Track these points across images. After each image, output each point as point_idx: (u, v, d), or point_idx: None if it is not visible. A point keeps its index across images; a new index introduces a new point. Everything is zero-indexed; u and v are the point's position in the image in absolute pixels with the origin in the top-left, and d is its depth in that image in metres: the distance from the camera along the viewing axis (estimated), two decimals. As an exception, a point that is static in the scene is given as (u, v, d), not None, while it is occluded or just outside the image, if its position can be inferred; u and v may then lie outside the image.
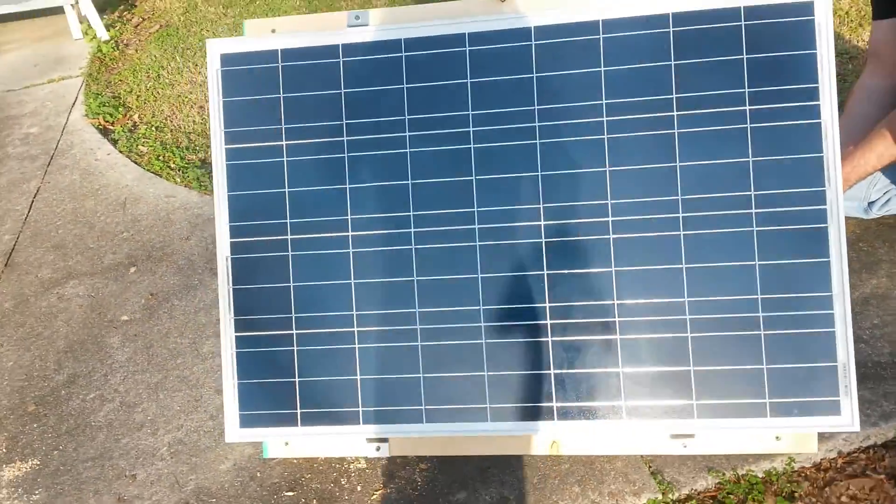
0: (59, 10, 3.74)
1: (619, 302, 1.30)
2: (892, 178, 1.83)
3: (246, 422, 1.40)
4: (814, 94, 1.25)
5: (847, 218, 1.91)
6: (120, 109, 3.05)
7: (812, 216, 1.25)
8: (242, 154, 1.39)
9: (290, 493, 1.48)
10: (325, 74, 1.36)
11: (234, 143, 1.39)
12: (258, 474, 1.53)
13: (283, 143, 1.37)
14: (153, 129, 2.90)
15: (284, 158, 1.37)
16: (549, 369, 1.32)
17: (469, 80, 1.33)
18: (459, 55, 1.33)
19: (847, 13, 2.88)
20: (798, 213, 1.26)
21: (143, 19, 3.86)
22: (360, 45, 1.36)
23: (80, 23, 3.69)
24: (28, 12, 3.92)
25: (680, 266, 1.29)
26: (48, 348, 1.94)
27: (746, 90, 1.27)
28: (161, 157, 2.70)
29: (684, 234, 1.29)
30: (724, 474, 1.39)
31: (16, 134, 2.95)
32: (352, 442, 1.41)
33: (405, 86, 1.35)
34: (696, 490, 1.38)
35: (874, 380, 1.52)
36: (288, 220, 1.38)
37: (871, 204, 1.86)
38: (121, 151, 2.77)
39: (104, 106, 3.05)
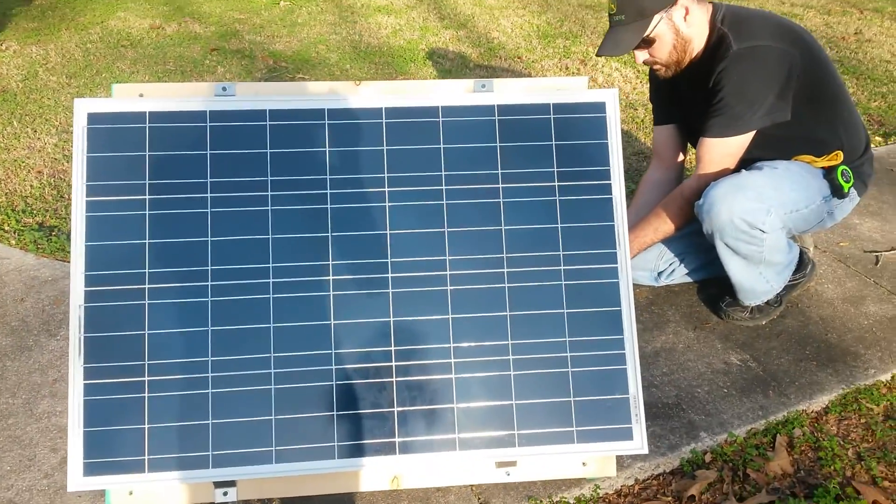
0: None
1: (455, 345, 1.49)
2: (676, 252, 2.21)
3: (90, 470, 1.40)
4: (606, 174, 1.56)
5: (640, 285, 2.27)
6: (-53, 171, 2.91)
7: (606, 273, 1.53)
8: (103, 206, 1.45)
9: (134, 544, 1.48)
10: (192, 136, 1.49)
11: (95, 196, 1.46)
12: (100, 527, 1.51)
13: (147, 197, 1.46)
14: (-15, 191, 2.80)
15: (147, 211, 1.46)
16: (393, 407, 1.46)
17: (328, 149, 1.51)
18: (320, 126, 1.52)
19: (643, 120, 3.42)
20: (595, 270, 1.53)
21: (-23, 83, 3.72)
22: (227, 112, 1.50)
23: None
24: None
25: (505, 314, 1.51)
26: None
27: (556, 169, 1.55)
28: (-6, 220, 2.61)
29: (508, 287, 1.51)
30: (541, 501, 1.58)
31: None
32: (198, 489, 1.45)
33: (268, 150, 1.50)
34: (519, 516, 1.56)
35: (663, 417, 1.81)
36: (147, 270, 1.45)
37: (659, 274, 2.23)
38: (-51, 213, 2.64)
39: (-72, 166, 2.89)
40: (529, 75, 4.05)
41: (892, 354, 2.03)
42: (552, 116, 1.57)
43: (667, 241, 2.19)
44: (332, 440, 1.45)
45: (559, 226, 1.54)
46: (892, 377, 1.97)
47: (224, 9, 5.09)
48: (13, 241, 2.50)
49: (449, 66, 4.17)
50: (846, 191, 1.95)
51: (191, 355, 1.44)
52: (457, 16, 5.15)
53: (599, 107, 1.58)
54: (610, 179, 1.56)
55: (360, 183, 1.51)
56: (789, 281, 2.11)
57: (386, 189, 1.52)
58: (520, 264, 1.52)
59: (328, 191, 1.50)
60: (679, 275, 2.24)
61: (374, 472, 1.49)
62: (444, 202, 1.52)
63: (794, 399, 1.88)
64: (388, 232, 1.51)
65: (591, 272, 1.53)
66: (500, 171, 1.54)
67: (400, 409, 1.47)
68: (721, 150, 1.91)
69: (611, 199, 1.55)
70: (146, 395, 1.42)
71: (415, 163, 1.53)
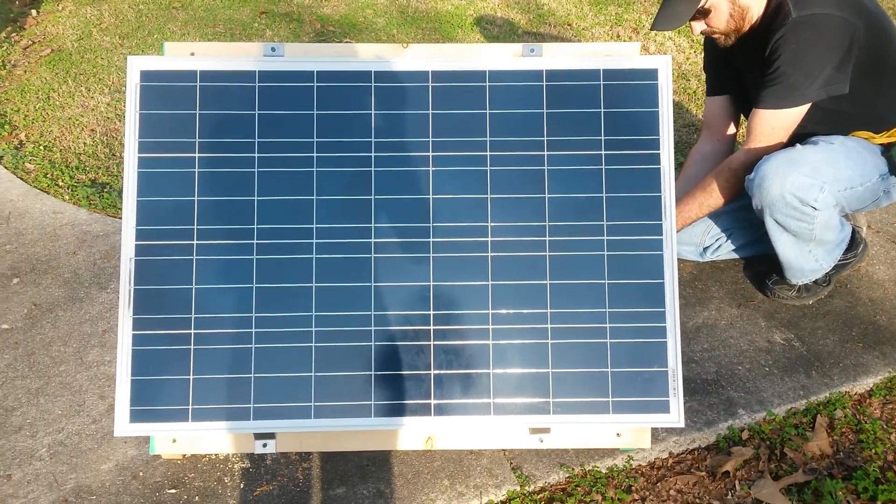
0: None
1: (493, 311, 1.49)
2: (723, 228, 2.16)
3: (137, 417, 1.45)
4: (655, 144, 1.53)
5: (685, 260, 2.23)
6: (6, 127, 3.00)
7: (651, 244, 1.51)
8: (154, 163, 1.48)
9: (173, 491, 1.54)
10: (241, 96, 1.50)
11: (146, 153, 1.49)
12: (140, 473, 1.57)
13: (196, 155, 1.49)
14: (41, 147, 2.88)
15: (196, 169, 1.49)
16: (430, 370, 1.48)
17: (373, 112, 1.51)
18: (366, 89, 1.52)
19: (695, 92, 3.34)
20: (640, 241, 1.51)
21: (33, 42, 3.80)
22: (276, 72, 1.51)
23: (-36, 38, 3.59)
24: None
25: (545, 282, 1.50)
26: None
27: (603, 137, 1.53)
28: (49, 175, 2.68)
29: (550, 255, 1.51)
30: (573, 469, 1.59)
31: None
32: (239, 439, 1.49)
33: (315, 112, 1.51)
34: (549, 483, 1.57)
35: (701, 393, 1.79)
36: (195, 227, 1.48)
37: (705, 249, 2.19)
38: (6, 167, 2.72)
39: (-12, 122, 2.98)
40: (579, 41, 3.97)
41: (945, 340, 1.97)
42: (602, 83, 1.54)
43: (714, 216, 2.14)
44: (370, 399, 1.47)
45: (604, 195, 1.52)
46: (943, 362, 1.91)
47: (273, -29, 5.08)
48: (66, 197, 2.57)
49: (497, 31, 4.12)
50: None
51: (235, 311, 1.47)
52: (506, -19, 5.06)
53: (651, 73, 1.54)
54: (659, 149, 1.53)
55: (405, 146, 1.51)
56: (839, 260, 2.06)
57: (430, 153, 1.51)
58: (562, 233, 1.51)
59: (373, 154, 1.51)
60: (725, 251, 2.19)
61: (408, 432, 1.51)
62: (489, 168, 1.51)
63: (838, 380, 1.84)
64: (430, 196, 1.51)
65: (634, 243, 1.51)
66: (545, 139, 1.52)
67: (437, 371, 1.48)
68: (774, 122, 1.86)
69: (659, 169, 1.52)
70: (192, 347, 1.46)
71: (460, 127, 1.52)
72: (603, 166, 1.52)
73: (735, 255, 2.23)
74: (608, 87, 1.53)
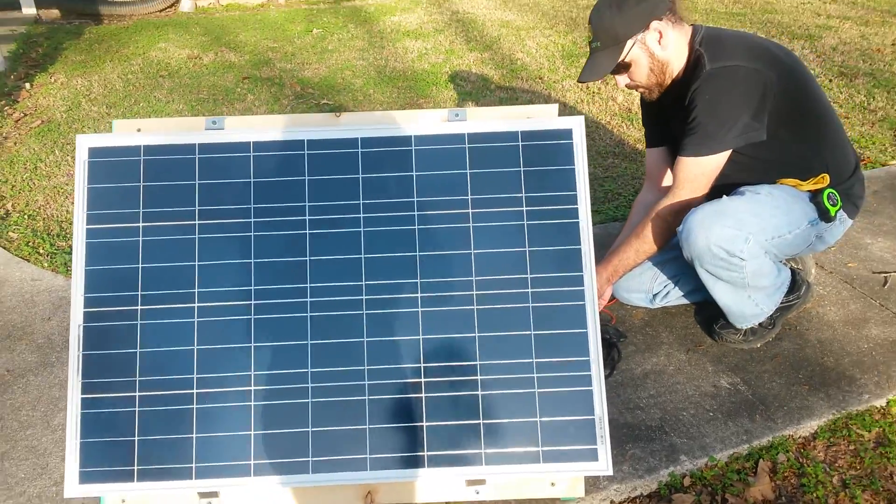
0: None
1: (424, 365, 1.55)
2: (670, 274, 2.23)
3: (85, 478, 1.51)
4: (573, 199, 1.60)
5: (636, 307, 2.29)
6: (-9, 197, 3.13)
7: (573, 295, 1.58)
8: (102, 234, 1.58)
9: (125, 549, 1.58)
10: (182, 168, 1.60)
11: (94, 224, 1.58)
12: (95, 533, 1.62)
13: (140, 224, 1.58)
14: (25, 216, 3.00)
15: (140, 238, 1.58)
16: (365, 424, 1.53)
17: (307, 177, 1.61)
18: (300, 157, 1.61)
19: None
20: (563, 293, 1.58)
21: (25, 114, 3.98)
22: (215, 144, 1.61)
23: (-42, 114, 3.77)
24: None
25: (474, 335, 1.56)
26: None
27: (524, 195, 1.61)
28: (31, 243, 2.79)
29: (477, 309, 1.57)
30: (514, 518, 1.62)
31: None
32: (185, 497, 1.54)
33: (252, 180, 1.60)
34: (492, 533, 1.60)
35: (645, 440, 1.83)
36: (139, 293, 1.56)
37: (654, 296, 2.24)
38: (-12, 237, 2.84)
39: (-25, 193, 3.11)
40: (549, 96, 4.10)
41: (890, 379, 2.00)
42: (520, 143, 1.62)
43: (660, 264, 2.21)
44: (307, 455, 1.52)
45: (527, 249, 1.59)
46: (888, 402, 1.94)
47: (259, 38, 5.30)
48: (46, 264, 2.67)
49: (470, 88, 4.26)
50: (833, 214, 1.94)
51: (178, 372, 1.54)
52: (483, 38, 5.25)
53: (566, 133, 1.63)
54: (576, 204, 1.60)
55: (337, 209, 1.60)
56: (782, 303, 2.11)
57: (361, 215, 1.60)
58: (489, 287, 1.58)
59: (307, 217, 1.59)
60: (674, 297, 2.25)
61: (347, 489, 1.56)
62: (416, 227, 1.59)
63: (782, 424, 1.87)
64: (362, 256, 1.58)
65: (558, 295, 1.58)
66: (469, 197, 1.61)
67: (371, 426, 1.54)
68: (695, 169, 1.93)
69: (577, 223, 1.60)
70: (136, 409, 1.53)
71: (388, 190, 1.61)
72: (525, 222, 1.60)
73: (685, 301, 2.28)
74: (526, 147, 1.62)
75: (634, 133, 3.63)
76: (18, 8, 6.01)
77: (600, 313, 2.18)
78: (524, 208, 1.60)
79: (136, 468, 1.51)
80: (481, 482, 1.56)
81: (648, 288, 2.24)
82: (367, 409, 1.54)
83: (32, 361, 2.19)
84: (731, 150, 1.89)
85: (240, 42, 5.19)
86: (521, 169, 1.62)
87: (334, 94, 4.19)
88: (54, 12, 6.13)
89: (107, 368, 1.54)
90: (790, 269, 2.16)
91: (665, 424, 1.87)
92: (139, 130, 1.65)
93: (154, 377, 1.54)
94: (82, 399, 1.53)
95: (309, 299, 1.57)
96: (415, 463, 1.53)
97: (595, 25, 1.94)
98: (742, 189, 1.95)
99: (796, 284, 2.15)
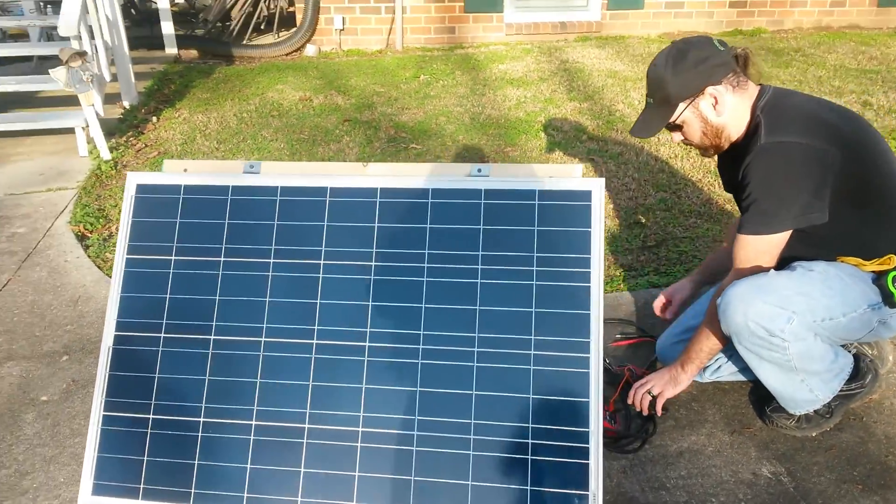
0: (71, 130, 4.26)
1: (419, 418, 1.55)
2: (723, 348, 2.09)
3: (98, 490, 1.61)
4: (586, 262, 1.56)
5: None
6: (101, 220, 3.44)
7: (577, 362, 1.52)
8: (138, 264, 1.70)
9: (129, 564, 1.66)
10: (215, 208, 1.71)
11: (133, 255, 1.71)
12: (108, 545, 1.72)
13: (172, 258, 1.69)
14: (124, 239, 3.27)
15: (171, 271, 1.69)
16: (355, 471, 1.54)
17: (325, 223, 1.66)
18: (321, 203, 1.68)
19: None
20: (566, 358, 1.53)
21: (146, 146, 4.37)
22: (246, 187, 1.71)
23: (88, 143, 4.20)
24: (44, 129, 4.46)
25: (471, 392, 1.54)
26: (-33, 417, 2.18)
27: (535, 254, 1.58)
28: (122, 264, 3.04)
29: (477, 366, 1.55)
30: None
31: (5, 232, 3.34)
32: (185, 519, 1.61)
33: (276, 222, 1.68)
34: None
35: (662, 521, 1.71)
36: (164, 321, 1.67)
37: (705, 369, 2.11)
38: (89, 256, 3.12)
39: (87, 216, 3.44)
40: (642, 149, 4.00)
41: (964, 486, 1.76)
42: (536, 202, 1.61)
43: None
44: (296, 494, 1.55)
45: (533, 310, 1.56)
46: (954, 513, 1.71)
47: (369, 82, 5.54)
48: (130, 284, 2.89)
49: (561, 137, 4.24)
50: None
51: (188, 400, 1.62)
52: (586, 88, 5.22)
53: (585, 195, 1.59)
54: (589, 268, 1.56)
55: (351, 256, 1.64)
56: (843, 391, 1.92)
57: (373, 263, 1.63)
58: (491, 345, 1.56)
59: (321, 262, 1.65)
60: (727, 372, 2.11)
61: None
62: (425, 279, 1.61)
63: (821, 521, 1.70)
64: (369, 303, 1.61)
65: (560, 360, 1.53)
66: (480, 253, 1.60)
67: (361, 473, 1.54)
68: (755, 247, 1.80)
69: (588, 287, 1.55)
70: (148, 431, 1.62)
71: (402, 240, 1.63)
72: (534, 282, 1.57)
73: (739, 378, 2.13)
74: (543, 207, 1.60)
75: (726, 194, 3.46)
76: (164, 48, 6.64)
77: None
78: (535, 268, 1.58)
79: (141, 486, 1.60)
80: (467, 545, 1.52)
81: None
82: (358, 455, 1.55)
83: (95, 375, 2.37)
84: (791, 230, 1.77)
85: (350, 86, 5.46)
86: (536, 228, 1.59)
87: (425, 139, 4.30)
88: (193, 52, 6.72)
89: (127, 389, 1.65)
90: (854, 354, 1.97)
91: (688, 508, 1.75)
92: (185, 170, 1.78)
93: (167, 402, 1.63)
94: (103, 416, 1.64)
95: (315, 341, 1.61)
96: (399, 516, 1.51)
97: (650, 81, 1.89)
98: (794, 264, 1.82)
99: (860, 372, 1.95)
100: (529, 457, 1.50)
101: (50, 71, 4.01)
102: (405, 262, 1.62)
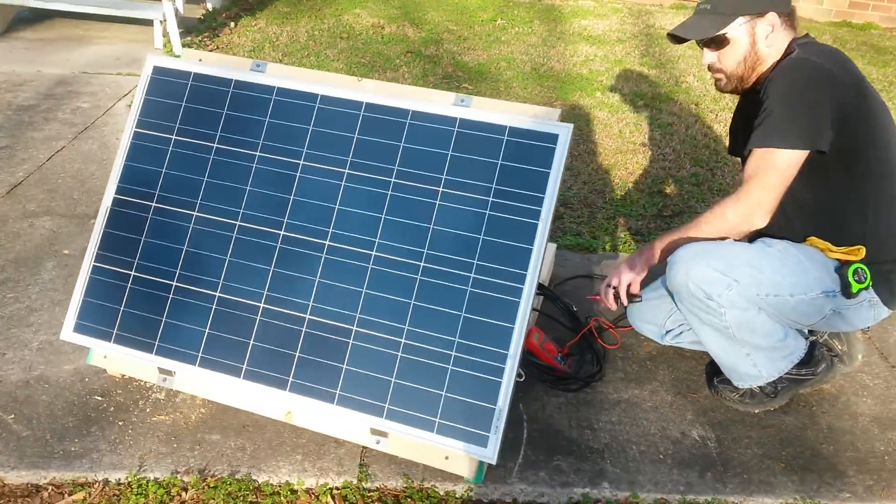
0: (152, 23, 4.51)
1: (360, 315, 1.68)
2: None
3: (78, 328, 1.83)
4: (539, 201, 1.63)
5: (648, 340, 2.21)
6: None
7: (510, 290, 1.61)
8: (144, 137, 1.87)
9: (99, 398, 1.89)
10: (217, 97, 1.85)
11: (141, 129, 1.88)
12: (86, 379, 1.95)
13: (173, 136, 1.86)
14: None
15: (170, 148, 1.85)
16: (296, 351, 1.70)
17: (311, 127, 1.79)
18: (310, 108, 1.80)
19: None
20: (501, 286, 1.62)
21: (217, 48, 4.57)
22: (247, 83, 1.84)
23: (164, 36, 4.43)
24: (128, 18, 4.73)
25: (410, 301, 1.66)
26: (0, 255, 2.45)
27: (493, 186, 1.66)
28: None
29: (420, 279, 1.66)
30: (412, 482, 1.70)
31: (71, 105, 3.62)
32: (147, 369, 1.81)
33: (267, 119, 1.81)
34: (385, 486, 1.70)
35: (577, 458, 1.80)
36: (157, 192, 1.84)
37: (667, 332, 2.16)
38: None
39: (147, 102, 3.68)
40: (693, 123, 3.94)
41: (888, 490, 1.78)
42: (505, 138, 1.68)
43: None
44: (242, 362, 1.72)
45: (481, 237, 1.65)
46: (869, 510, 1.74)
47: (444, 19, 5.57)
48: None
49: (615, 100, 4.20)
50: (854, 291, 1.75)
51: (166, 264, 1.80)
52: (662, 55, 5.10)
53: (552, 137, 1.65)
54: (541, 206, 1.63)
55: (327, 161, 1.76)
56: (791, 373, 1.94)
57: (346, 171, 1.75)
58: (435, 262, 1.66)
59: (301, 161, 1.78)
60: (686, 340, 2.15)
61: (269, 401, 1.73)
62: (389, 192, 1.71)
63: (730, 489, 1.75)
64: (336, 206, 1.74)
65: (496, 286, 1.62)
66: (444, 177, 1.69)
67: (301, 354, 1.69)
68: (767, 160, 1.72)
69: (535, 224, 1.62)
70: (128, 285, 1.81)
71: (375, 154, 1.74)
72: (487, 212, 1.65)
73: (699, 347, 2.16)
74: (510, 143, 1.67)
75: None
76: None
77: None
78: (490, 199, 1.66)
79: (114, 331, 1.80)
80: (383, 434, 1.66)
81: (662, 323, 2.15)
82: (301, 339, 1.70)
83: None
84: (805, 154, 1.71)
85: (425, 19, 5.50)
86: (499, 161, 1.67)
87: (479, 81, 4.34)
88: (288, -32, 6.87)
89: (117, 246, 1.84)
90: (812, 341, 1.97)
91: (607, 450, 1.83)
92: (200, 60, 1.92)
93: (147, 263, 1.81)
94: (93, 266, 1.84)
95: (282, 232, 1.76)
96: (327, 397, 1.66)
97: None
98: (758, 240, 1.83)
99: (813, 359, 1.97)
100: (450, 367, 1.61)
101: (137, -38, 4.23)
102: (374, 174, 1.73)
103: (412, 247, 1.68)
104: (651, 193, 3.18)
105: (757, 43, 1.83)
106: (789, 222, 1.84)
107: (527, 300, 1.60)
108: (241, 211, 1.79)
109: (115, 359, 1.84)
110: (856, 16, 7.06)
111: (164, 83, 1.89)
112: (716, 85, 1.96)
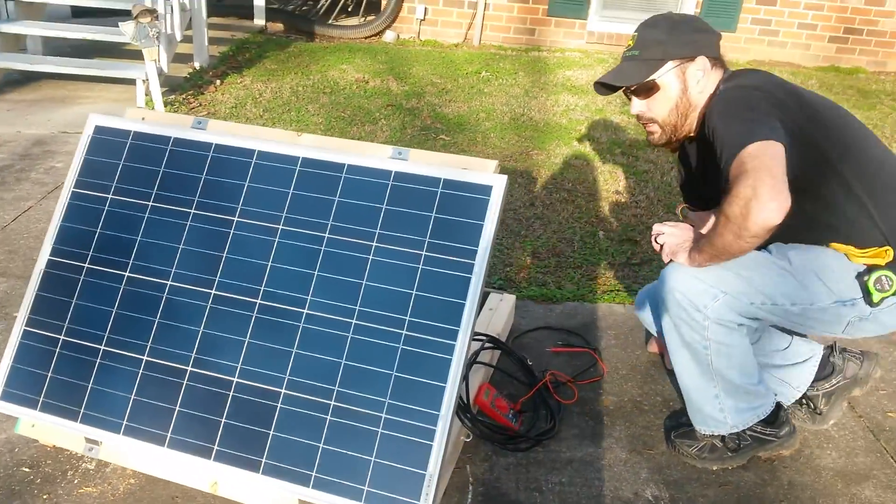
0: (134, 82, 4.56)
1: (289, 377, 1.62)
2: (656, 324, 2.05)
3: (5, 396, 1.76)
4: (472, 254, 1.58)
5: (607, 389, 2.13)
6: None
7: (442, 348, 1.55)
8: (81, 198, 1.85)
9: (27, 470, 1.81)
10: (155, 155, 1.83)
11: (78, 189, 1.85)
12: (16, 449, 1.87)
13: (109, 196, 1.83)
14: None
15: (105, 208, 1.82)
16: (222, 417, 1.63)
17: (246, 184, 1.76)
18: (246, 164, 1.77)
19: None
20: (433, 343, 1.55)
21: (200, 105, 4.62)
22: (186, 140, 1.82)
23: (146, 95, 4.48)
24: (111, 78, 4.79)
25: (341, 361, 1.60)
26: (-49, 319, 2.41)
27: (427, 240, 1.61)
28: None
29: (352, 337, 1.60)
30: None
31: (45, 164, 3.63)
32: (73, 438, 1.74)
33: (203, 176, 1.79)
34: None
35: None
36: (90, 253, 1.80)
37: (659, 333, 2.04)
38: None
39: (122, 160, 3.69)
40: (670, 171, 3.91)
41: (856, 551, 1.67)
42: (439, 190, 1.64)
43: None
44: (167, 430, 1.65)
45: (413, 292, 1.59)
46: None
47: (428, 72, 5.63)
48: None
49: (592, 148, 4.19)
50: (876, 301, 1.65)
51: (93, 327, 1.75)
52: (641, 104, 5.11)
53: (485, 189, 1.61)
54: (474, 260, 1.58)
55: (262, 217, 1.72)
56: (756, 431, 1.85)
57: (280, 227, 1.71)
58: (367, 319, 1.60)
59: (235, 218, 1.74)
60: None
61: (194, 471, 1.66)
62: (322, 248, 1.67)
63: (686, 556, 1.65)
64: (269, 264, 1.69)
65: (428, 343, 1.56)
66: (377, 231, 1.65)
67: (227, 420, 1.63)
68: (752, 152, 1.50)
69: (469, 278, 1.57)
70: (56, 350, 1.76)
71: (310, 209, 1.70)
72: (420, 266, 1.60)
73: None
74: (444, 195, 1.63)
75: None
76: (252, 19, 6.96)
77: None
78: (423, 253, 1.61)
79: (41, 399, 1.74)
80: (312, 505, 1.58)
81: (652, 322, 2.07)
82: (228, 403, 1.63)
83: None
84: (780, 146, 1.52)
85: (409, 73, 5.56)
86: (433, 214, 1.63)
87: (457, 132, 4.35)
88: (279, 26, 7.01)
89: (48, 310, 1.79)
90: (777, 402, 1.89)
91: (556, 517, 1.74)
92: (143, 119, 1.91)
93: (77, 326, 1.76)
94: (24, 330, 1.79)
95: (214, 291, 1.71)
96: (253, 466, 1.59)
97: (641, 35, 1.80)
98: (769, 247, 1.75)
99: (778, 420, 1.87)
100: (380, 430, 1.54)
101: (119, 24, 4.30)
102: (308, 229, 1.69)
103: (344, 303, 1.63)
104: (621, 241, 3.13)
105: (689, 88, 1.78)
106: (805, 237, 1.73)
107: (459, 357, 1.54)
108: (173, 271, 1.74)
109: (43, 428, 1.78)
110: (843, 60, 7.10)
111: (104, 142, 1.88)
112: (648, 139, 1.91)
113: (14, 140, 3.95)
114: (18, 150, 3.81)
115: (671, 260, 1.76)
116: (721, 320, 1.68)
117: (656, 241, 1.87)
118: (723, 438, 1.87)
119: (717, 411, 1.82)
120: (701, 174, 1.92)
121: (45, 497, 1.74)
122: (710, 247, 1.62)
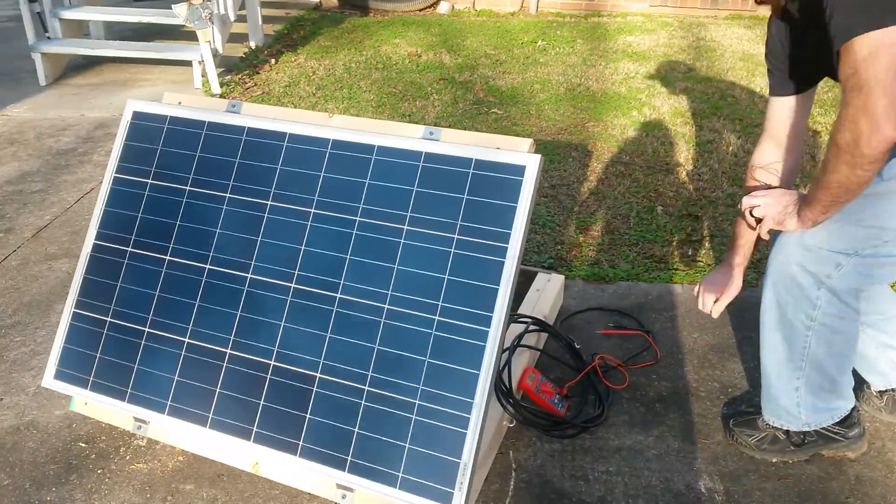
0: (191, 64, 4.63)
1: (323, 361, 1.61)
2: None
3: (58, 375, 1.82)
4: (506, 237, 1.52)
5: (661, 378, 2.04)
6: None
7: (476, 334, 1.50)
8: (123, 182, 1.87)
9: (83, 445, 1.88)
10: (191, 140, 1.83)
11: (120, 174, 1.88)
12: (73, 425, 1.94)
13: (149, 181, 1.85)
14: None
15: (146, 192, 1.84)
16: (260, 399, 1.63)
17: (279, 167, 1.74)
18: (279, 147, 1.75)
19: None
20: (466, 329, 1.51)
21: (255, 84, 4.66)
22: (220, 124, 1.82)
23: (202, 76, 4.54)
24: (170, 60, 4.88)
25: (374, 346, 1.57)
26: (15, 298, 2.51)
27: (459, 223, 1.56)
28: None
29: (384, 323, 1.58)
30: (382, 539, 1.60)
31: (106, 147, 3.73)
32: (122, 417, 1.78)
33: (237, 160, 1.78)
34: (354, 543, 1.60)
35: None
36: (133, 237, 1.83)
37: None
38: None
39: (178, 141, 3.76)
40: (735, 140, 3.72)
41: (925, 550, 1.56)
42: (470, 171, 1.58)
43: None
44: (209, 411, 1.67)
45: (446, 277, 1.55)
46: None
47: (482, 44, 5.52)
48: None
49: (651, 117, 4.03)
50: None
51: (139, 310, 1.78)
52: (710, 68, 4.88)
53: (519, 170, 1.54)
54: (507, 243, 1.52)
55: (294, 200, 1.71)
56: (825, 428, 1.73)
57: (312, 210, 1.69)
58: (399, 304, 1.57)
59: (269, 202, 1.73)
60: None
61: (236, 451, 1.67)
62: (354, 232, 1.64)
63: (737, 550, 1.58)
64: (302, 248, 1.68)
65: (461, 329, 1.52)
66: (409, 214, 1.61)
67: (266, 403, 1.63)
68: (872, 46, 1.24)
69: (502, 262, 1.51)
70: (104, 332, 1.80)
71: (341, 192, 1.67)
72: (452, 250, 1.56)
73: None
74: (476, 176, 1.57)
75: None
76: (308, -4, 6.97)
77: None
78: (456, 236, 1.56)
79: (91, 378, 1.79)
80: (349, 489, 1.57)
81: None
82: (266, 386, 1.64)
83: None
84: None
85: (462, 45, 5.46)
86: (465, 196, 1.57)
87: (510, 105, 4.25)
88: (333, 2, 6.99)
89: (95, 292, 1.83)
90: (854, 400, 1.76)
91: (600, 506, 1.69)
92: (180, 103, 1.92)
93: (122, 309, 1.80)
94: (73, 312, 1.84)
95: (250, 275, 1.71)
96: (291, 449, 1.59)
97: None
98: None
99: (849, 421, 1.75)
100: (414, 416, 1.51)
101: (173, 6, 4.36)
102: (340, 212, 1.66)
103: (376, 288, 1.60)
104: (680, 217, 2.99)
105: None
106: None
107: (493, 344, 1.49)
108: (211, 254, 1.75)
109: (94, 407, 1.83)
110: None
111: (143, 128, 1.89)
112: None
113: (78, 123, 4.07)
114: (82, 133, 3.93)
115: (773, 232, 1.59)
116: (848, 290, 1.53)
117: (752, 215, 1.67)
118: (787, 432, 1.77)
119: (793, 405, 1.71)
120: (799, 38, 1.60)
121: (99, 472, 1.79)
122: (823, 191, 1.41)
